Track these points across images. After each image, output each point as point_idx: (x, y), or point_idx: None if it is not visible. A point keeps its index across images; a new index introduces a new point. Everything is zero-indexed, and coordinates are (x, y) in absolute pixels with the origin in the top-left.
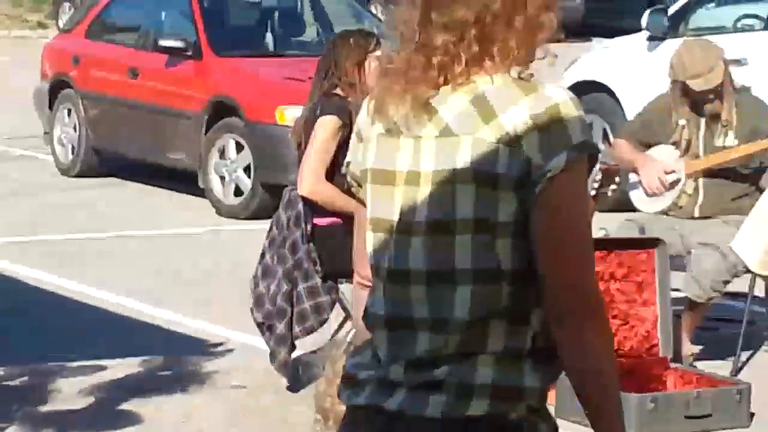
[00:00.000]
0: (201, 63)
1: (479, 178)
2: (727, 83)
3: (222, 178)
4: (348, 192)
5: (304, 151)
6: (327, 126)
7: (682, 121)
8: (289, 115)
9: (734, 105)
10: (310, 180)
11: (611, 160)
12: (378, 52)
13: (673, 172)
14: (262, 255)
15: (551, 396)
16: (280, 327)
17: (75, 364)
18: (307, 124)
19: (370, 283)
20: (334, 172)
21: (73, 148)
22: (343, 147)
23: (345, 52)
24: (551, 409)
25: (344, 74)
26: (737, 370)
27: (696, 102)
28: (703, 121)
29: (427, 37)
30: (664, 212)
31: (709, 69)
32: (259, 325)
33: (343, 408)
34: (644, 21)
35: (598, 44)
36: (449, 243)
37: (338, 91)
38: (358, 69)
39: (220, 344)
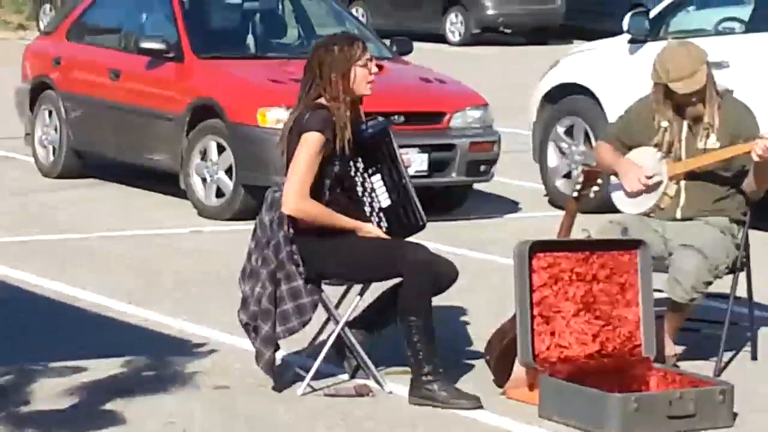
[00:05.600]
0: (182, 65)
1: None
2: (710, 86)
3: (203, 179)
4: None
5: (288, 160)
6: (311, 143)
7: (664, 124)
8: (271, 117)
9: (717, 108)
10: (293, 199)
11: (593, 162)
12: (363, 59)
13: (655, 175)
14: (249, 256)
15: (534, 396)
16: (266, 328)
17: (58, 364)
18: (292, 134)
19: None
20: (320, 187)
21: (54, 149)
22: (327, 161)
23: (329, 61)
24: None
25: (328, 85)
26: (720, 371)
27: (679, 105)
28: (685, 123)
29: None
30: (646, 214)
31: (693, 72)
32: (245, 326)
33: None
34: (625, 23)
35: (579, 47)
36: None
37: (323, 101)
38: (342, 80)
39: (203, 344)
